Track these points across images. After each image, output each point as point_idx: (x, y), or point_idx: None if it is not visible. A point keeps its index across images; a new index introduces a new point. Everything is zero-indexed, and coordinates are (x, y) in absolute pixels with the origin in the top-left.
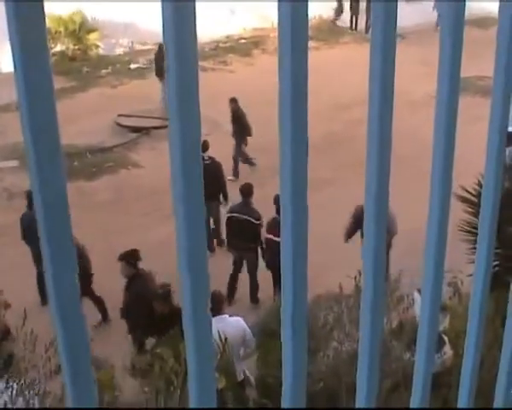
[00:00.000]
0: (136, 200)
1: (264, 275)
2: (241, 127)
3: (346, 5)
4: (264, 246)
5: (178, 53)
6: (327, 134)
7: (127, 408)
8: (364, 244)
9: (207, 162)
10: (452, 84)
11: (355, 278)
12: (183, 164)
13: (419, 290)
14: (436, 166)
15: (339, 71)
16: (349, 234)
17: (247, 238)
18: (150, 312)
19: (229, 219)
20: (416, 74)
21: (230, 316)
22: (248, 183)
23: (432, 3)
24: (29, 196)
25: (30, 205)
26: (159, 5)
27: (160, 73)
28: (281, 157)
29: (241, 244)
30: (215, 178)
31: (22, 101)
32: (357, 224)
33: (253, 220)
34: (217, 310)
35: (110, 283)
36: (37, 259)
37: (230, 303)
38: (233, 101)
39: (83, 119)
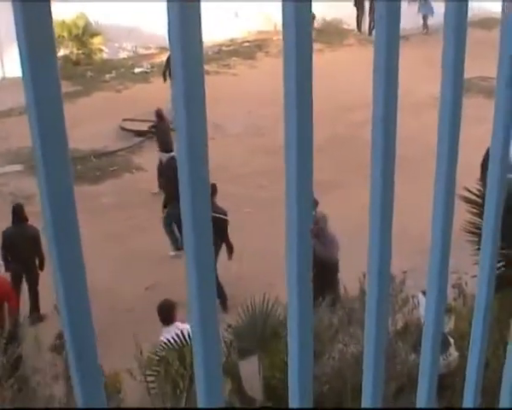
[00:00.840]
0: (140, 203)
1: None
2: (164, 141)
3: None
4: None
5: (184, 56)
6: (330, 136)
7: (130, 408)
8: (370, 246)
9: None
10: (456, 85)
11: (359, 279)
12: (190, 167)
13: (424, 292)
14: (440, 166)
15: (342, 73)
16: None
17: (216, 235)
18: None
19: None
20: (420, 75)
21: (183, 323)
22: (213, 183)
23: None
24: (15, 211)
25: (15, 220)
26: (162, 9)
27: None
28: (286, 159)
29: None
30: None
31: (30, 105)
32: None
33: (223, 216)
34: (170, 319)
35: (115, 285)
36: (17, 278)
37: (225, 310)
38: (158, 113)
39: (87, 123)
